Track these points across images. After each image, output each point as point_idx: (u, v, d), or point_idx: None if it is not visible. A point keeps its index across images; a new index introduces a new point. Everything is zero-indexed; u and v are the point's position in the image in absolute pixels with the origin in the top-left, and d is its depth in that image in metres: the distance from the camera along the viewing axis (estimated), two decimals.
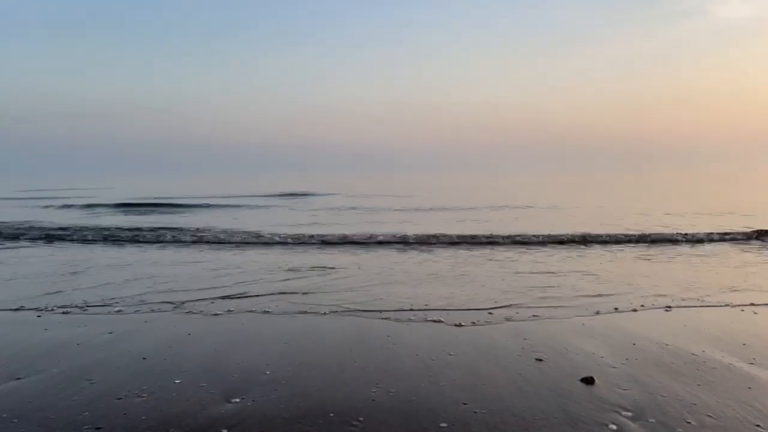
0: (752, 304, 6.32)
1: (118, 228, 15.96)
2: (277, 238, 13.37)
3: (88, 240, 14.01)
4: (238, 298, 6.97)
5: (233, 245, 12.78)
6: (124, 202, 29.62)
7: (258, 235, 14.07)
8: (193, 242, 13.35)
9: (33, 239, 14.16)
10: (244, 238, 13.69)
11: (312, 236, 13.56)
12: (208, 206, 27.14)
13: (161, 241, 13.56)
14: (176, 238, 13.83)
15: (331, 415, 3.43)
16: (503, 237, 12.96)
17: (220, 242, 13.31)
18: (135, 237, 14.23)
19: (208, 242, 13.34)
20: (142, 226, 16.38)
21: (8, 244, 13.34)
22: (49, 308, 6.34)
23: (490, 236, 13.09)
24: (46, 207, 27.45)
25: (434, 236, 13.12)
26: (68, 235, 14.63)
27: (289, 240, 13.30)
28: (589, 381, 3.95)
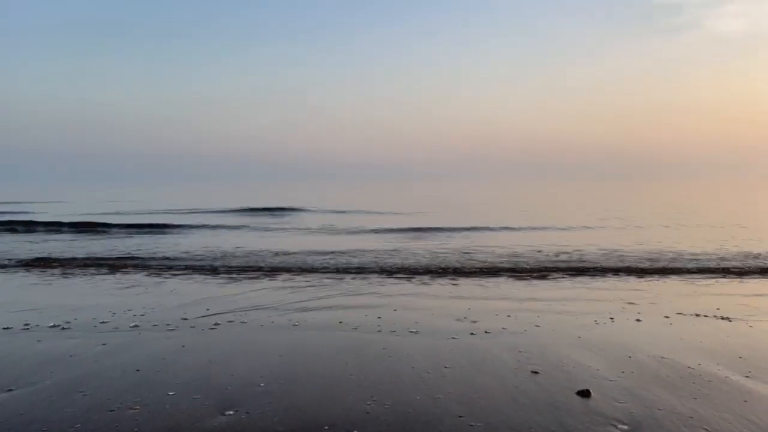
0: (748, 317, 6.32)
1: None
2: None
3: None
4: (231, 312, 6.93)
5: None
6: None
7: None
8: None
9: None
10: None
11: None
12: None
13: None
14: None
15: (326, 427, 3.40)
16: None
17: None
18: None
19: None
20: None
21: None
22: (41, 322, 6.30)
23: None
24: None
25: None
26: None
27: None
28: (585, 394, 3.94)
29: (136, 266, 11.09)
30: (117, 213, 29.87)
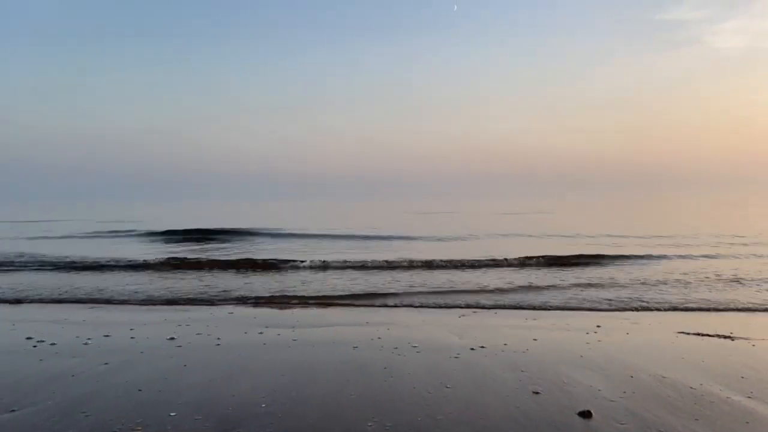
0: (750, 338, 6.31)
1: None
2: None
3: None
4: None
5: None
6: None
7: None
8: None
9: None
10: None
11: None
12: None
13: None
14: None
15: None
16: None
17: None
18: None
19: None
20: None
21: None
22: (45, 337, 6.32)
23: None
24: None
25: None
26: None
27: None
28: (586, 415, 3.93)
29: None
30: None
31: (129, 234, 27.53)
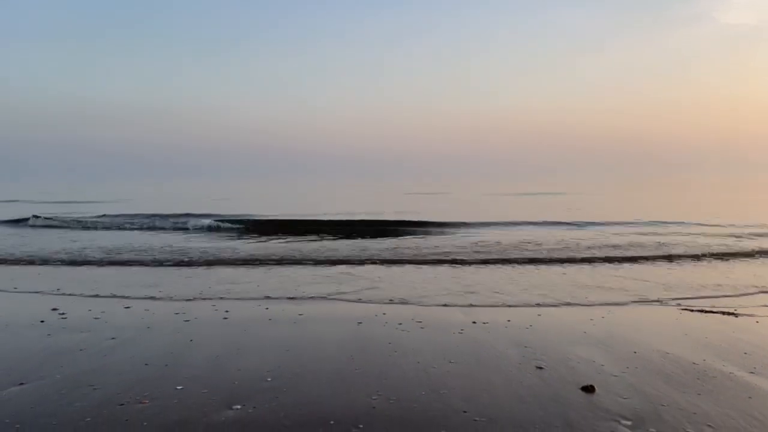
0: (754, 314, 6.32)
1: None
2: None
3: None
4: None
5: None
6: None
7: None
8: None
9: None
10: None
11: None
12: None
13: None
14: None
15: (332, 422, 3.44)
16: None
17: None
18: None
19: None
20: None
21: None
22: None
23: None
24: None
25: None
26: None
27: None
28: (589, 389, 3.96)
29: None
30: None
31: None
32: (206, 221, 19.56)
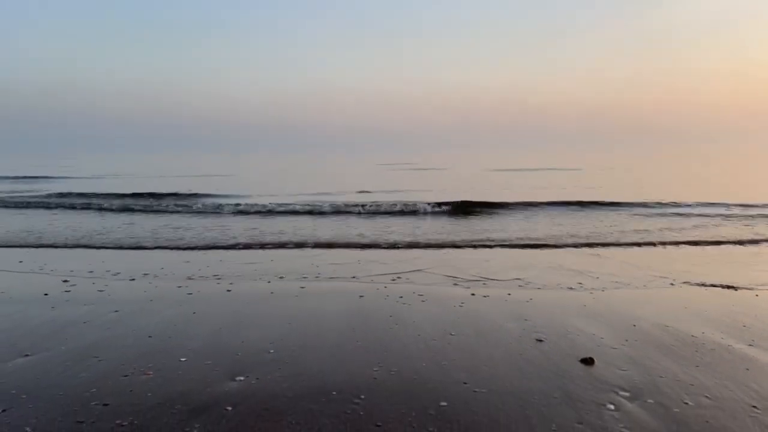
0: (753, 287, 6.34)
1: None
2: None
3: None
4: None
5: None
6: None
7: None
8: None
9: None
10: None
11: None
12: None
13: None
14: None
15: (334, 393, 3.49)
16: None
17: None
18: None
19: None
20: None
21: None
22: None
23: None
24: None
25: None
26: None
27: None
28: (588, 362, 4.00)
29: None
30: None
31: None
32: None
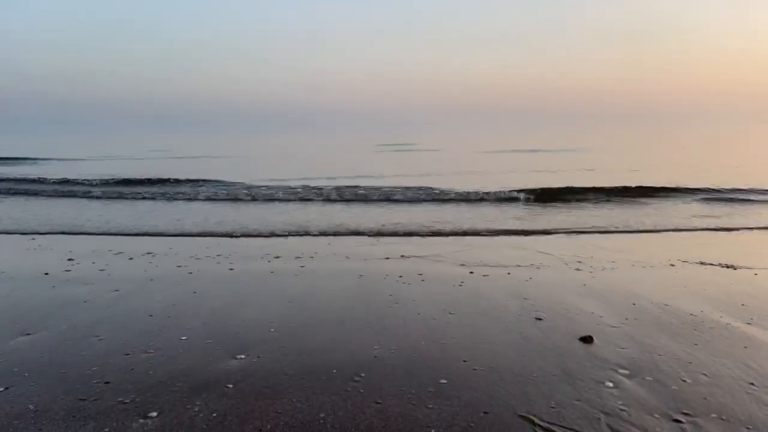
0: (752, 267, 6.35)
1: None
2: None
3: None
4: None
5: None
6: None
7: None
8: None
9: None
10: None
11: None
12: None
13: None
14: None
15: (334, 371, 3.51)
16: None
17: None
18: None
19: None
20: None
21: None
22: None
23: None
24: None
25: None
26: None
27: None
28: (587, 340, 4.02)
29: None
30: None
31: None
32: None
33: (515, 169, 23.77)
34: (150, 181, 18.96)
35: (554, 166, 24.86)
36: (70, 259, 6.90)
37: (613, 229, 9.50)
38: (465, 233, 9.16)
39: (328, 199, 14.41)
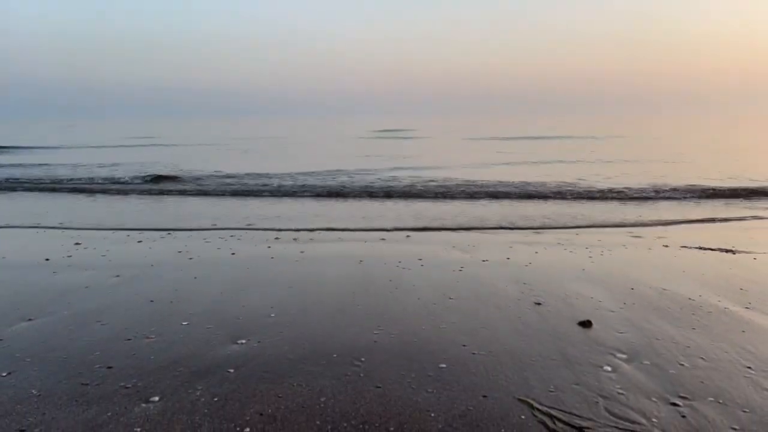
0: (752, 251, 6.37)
1: None
2: None
3: None
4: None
5: None
6: None
7: None
8: None
9: None
10: None
11: None
12: None
13: None
14: None
15: (334, 355, 3.53)
16: None
17: None
18: None
19: None
20: None
21: None
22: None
23: None
24: None
25: None
26: None
27: None
28: (586, 324, 4.04)
29: None
30: None
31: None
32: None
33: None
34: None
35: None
36: (76, 243, 6.91)
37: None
38: (463, 228, 9.16)
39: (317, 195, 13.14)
